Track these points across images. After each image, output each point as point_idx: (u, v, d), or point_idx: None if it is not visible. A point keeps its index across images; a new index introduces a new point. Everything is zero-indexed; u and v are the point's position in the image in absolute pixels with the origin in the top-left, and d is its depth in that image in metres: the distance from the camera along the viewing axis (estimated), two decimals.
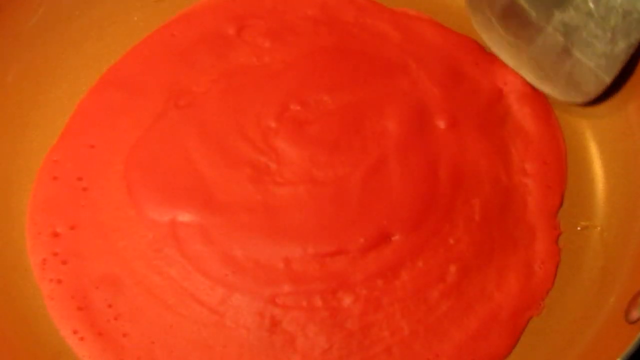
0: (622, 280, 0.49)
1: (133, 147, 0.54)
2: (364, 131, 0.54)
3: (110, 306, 0.50)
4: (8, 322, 0.50)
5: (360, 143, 0.53)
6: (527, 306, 0.50)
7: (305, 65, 0.57)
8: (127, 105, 0.56)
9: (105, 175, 0.53)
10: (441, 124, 0.54)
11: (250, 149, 0.53)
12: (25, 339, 0.50)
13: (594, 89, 0.53)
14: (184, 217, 0.51)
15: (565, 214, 0.53)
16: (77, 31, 0.59)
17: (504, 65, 0.57)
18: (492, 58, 0.58)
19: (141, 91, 0.56)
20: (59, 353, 0.49)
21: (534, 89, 0.56)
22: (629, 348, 0.42)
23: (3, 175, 0.54)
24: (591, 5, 0.51)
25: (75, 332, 0.50)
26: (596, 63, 0.52)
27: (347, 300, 0.49)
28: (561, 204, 0.53)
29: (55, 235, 0.52)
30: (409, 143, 0.53)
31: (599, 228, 0.52)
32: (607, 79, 0.52)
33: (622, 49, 0.51)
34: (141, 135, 0.54)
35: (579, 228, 0.53)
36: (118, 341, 0.49)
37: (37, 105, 0.56)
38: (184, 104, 0.55)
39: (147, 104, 0.55)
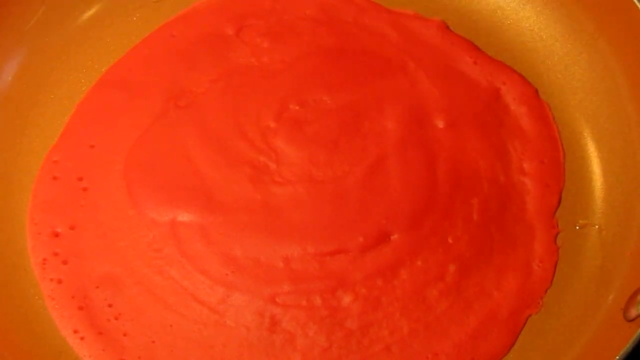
0: (621, 279, 0.49)
1: (133, 147, 0.54)
2: (363, 131, 0.54)
3: (110, 306, 0.50)
4: (9, 321, 0.50)
5: (359, 143, 0.53)
6: (526, 305, 0.50)
7: (305, 65, 0.57)
8: (126, 105, 0.56)
9: (105, 175, 0.54)
10: (440, 123, 0.54)
11: (249, 149, 0.53)
12: (26, 339, 0.50)
13: None
14: (184, 216, 0.51)
15: (563, 212, 0.53)
16: (78, 31, 0.59)
17: (501, 65, 0.57)
18: (490, 58, 0.58)
19: (141, 91, 0.56)
20: (59, 352, 0.49)
21: (531, 89, 0.57)
22: (627, 346, 0.42)
23: (3, 175, 0.54)
24: None
25: (75, 332, 0.50)
26: None
27: (346, 300, 0.49)
28: (559, 203, 0.53)
29: (56, 235, 0.52)
30: (407, 142, 0.53)
31: (597, 226, 0.52)
32: None
33: None
34: (141, 135, 0.54)
35: (577, 227, 0.53)
36: (118, 340, 0.49)
37: (38, 105, 0.57)
38: (184, 104, 0.55)
39: (146, 104, 0.55)
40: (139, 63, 0.58)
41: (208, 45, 0.58)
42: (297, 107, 0.55)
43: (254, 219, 0.51)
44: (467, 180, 0.53)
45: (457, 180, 0.52)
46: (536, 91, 0.57)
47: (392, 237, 0.50)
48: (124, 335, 0.49)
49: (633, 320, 0.44)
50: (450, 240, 0.50)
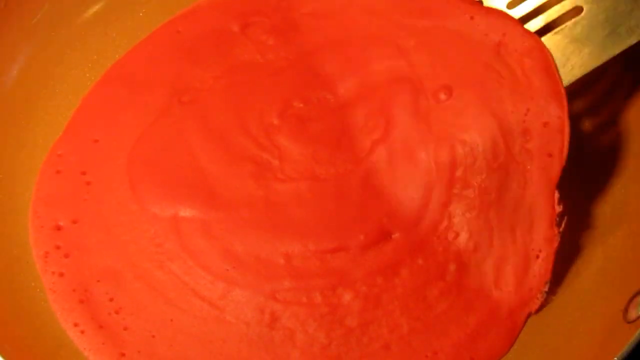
0: (621, 280, 0.49)
1: (136, 142, 0.54)
2: (365, 129, 0.53)
3: (111, 300, 0.50)
4: (10, 314, 0.50)
5: (361, 140, 0.53)
6: (524, 302, 0.50)
7: (309, 63, 0.56)
8: (131, 100, 0.56)
9: (108, 170, 0.54)
10: (439, 96, 0.52)
11: (252, 146, 0.53)
12: (27, 331, 0.50)
13: None
14: (186, 212, 0.51)
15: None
16: (83, 26, 0.59)
17: (501, 15, 0.54)
18: (490, 11, 0.54)
19: (145, 87, 0.56)
20: (60, 345, 0.49)
21: (533, 39, 0.53)
22: (626, 347, 0.42)
23: (7, 168, 0.55)
24: None
25: (76, 325, 0.50)
26: None
27: (346, 297, 0.49)
28: (561, 173, 0.51)
29: (58, 228, 0.52)
30: (409, 138, 0.52)
31: (599, 227, 0.52)
32: None
33: None
34: (144, 131, 0.54)
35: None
36: (118, 334, 0.49)
37: (43, 99, 0.57)
38: (187, 100, 0.55)
39: (150, 99, 0.55)
40: (144, 59, 0.57)
41: (213, 42, 0.58)
42: (301, 105, 0.55)
43: (255, 215, 0.51)
44: (465, 162, 0.51)
45: (454, 164, 0.51)
46: (539, 42, 0.53)
47: (393, 236, 0.50)
48: (124, 329, 0.50)
49: (633, 321, 0.44)
50: (450, 236, 0.50)
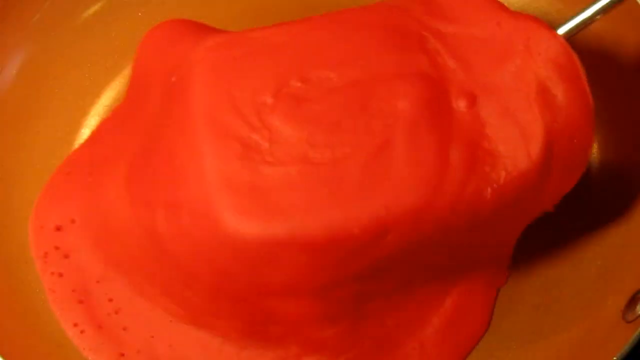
0: (621, 280, 0.47)
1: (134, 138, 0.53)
2: (371, 111, 0.47)
3: (110, 300, 0.50)
4: (10, 314, 0.51)
5: (364, 124, 0.47)
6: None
7: (311, 39, 0.51)
8: (131, 99, 0.55)
9: (108, 169, 0.53)
10: (461, 104, 0.48)
11: (241, 125, 0.47)
12: (26, 332, 0.50)
13: None
14: None
15: None
16: (83, 26, 0.59)
17: (528, 19, 0.49)
18: (516, 15, 0.49)
19: (145, 81, 0.54)
20: (59, 346, 0.50)
21: (560, 44, 0.48)
22: (625, 347, 0.41)
23: (7, 168, 0.55)
24: None
25: (75, 325, 0.50)
26: None
27: (337, 294, 0.45)
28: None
29: (58, 229, 0.52)
30: (420, 125, 0.46)
31: (598, 227, 0.51)
32: None
33: None
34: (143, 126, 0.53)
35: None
36: (118, 335, 0.49)
37: (42, 99, 0.57)
38: (178, 77, 0.51)
39: (150, 97, 0.53)
40: (144, 58, 0.55)
41: None
42: (299, 84, 0.49)
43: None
44: (482, 167, 0.45)
45: (471, 166, 0.45)
46: (566, 45, 0.48)
47: (389, 232, 0.45)
48: (124, 329, 0.49)
49: (633, 321, 0.43)
50: (452, 237, 0.45)
